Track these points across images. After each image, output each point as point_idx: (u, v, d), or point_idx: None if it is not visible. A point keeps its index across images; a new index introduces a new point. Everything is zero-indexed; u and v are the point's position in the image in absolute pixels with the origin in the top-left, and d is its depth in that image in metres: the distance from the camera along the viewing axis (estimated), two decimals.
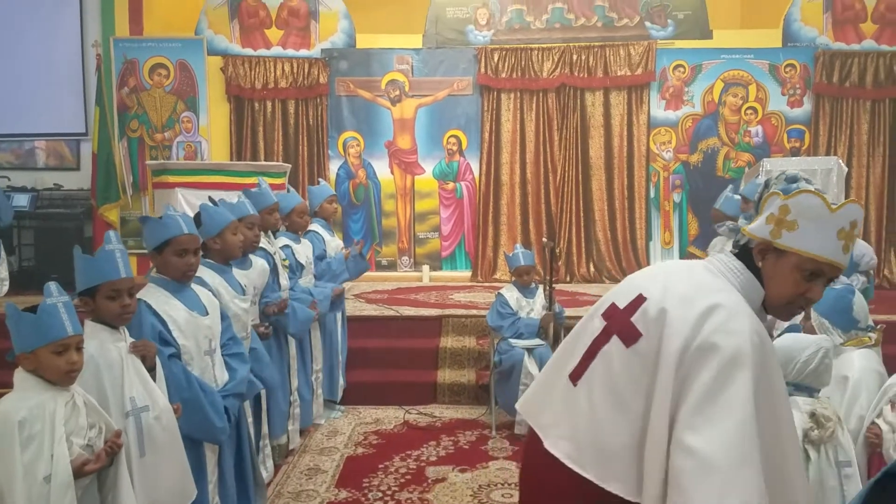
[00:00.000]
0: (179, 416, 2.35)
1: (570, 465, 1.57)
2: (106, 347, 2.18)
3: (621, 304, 1.64)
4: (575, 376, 1.64)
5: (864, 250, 3.45)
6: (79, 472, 1.89)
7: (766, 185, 1.69)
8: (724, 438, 1.41)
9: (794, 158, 7.68)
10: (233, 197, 3.55)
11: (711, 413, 1.43)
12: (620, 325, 1.60)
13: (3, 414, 1.86)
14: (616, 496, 1.52)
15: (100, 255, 2.23)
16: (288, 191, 4.84)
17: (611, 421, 1.55)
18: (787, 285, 1.59)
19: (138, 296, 2.56)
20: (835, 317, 2.83)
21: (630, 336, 1.58)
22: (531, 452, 1.73)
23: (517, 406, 1.85)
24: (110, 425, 2.05)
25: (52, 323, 1.93)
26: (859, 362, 2.69)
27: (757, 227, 1.62)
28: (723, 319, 1.50)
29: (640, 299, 1.60)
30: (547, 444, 1.64)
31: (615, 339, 1.60)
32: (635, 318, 1.58)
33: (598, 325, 1.66)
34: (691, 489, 1.39)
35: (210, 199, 3.25)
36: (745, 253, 1.65)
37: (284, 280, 4.01)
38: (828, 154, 7.93)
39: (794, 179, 1.65)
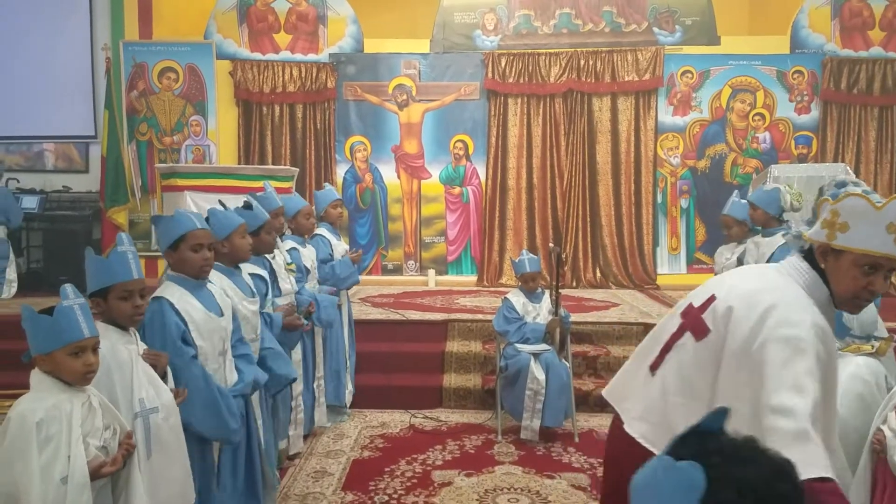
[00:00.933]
0: (183, 400, 2.35)
1: (645, 445, 1.75)
2: (117, 349, 2.19)
3: (696, 304, 1.82)
4: (653, 367, 1.84)
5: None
6: (95, 475, 1.90)
7: (821, 191, 1.86)
8: (803, 413, 1.53)
9: (801, 165, 7.68)
10: (240, 201, 3.57)
11: (787, 391, 1.56)
12: (693, 321, 1.79)
13: (20, 415, 1.87)
14: None
15: (112, 256, 2.25)
16: (293, 194, 4.85)
17: (681, 406, 1.73)
18: (849, 281, 1.73)
19: (159, 293, 2.58)
20: None
21: (700, 331, 1.76)
22: (615, 432, 1.92)
23: (603, 392, 2.02)
24: (124, 427, 2.06)
25: (69, 325, 1.94)
26: (846, 368, 2.70)
27: (815, 232, 1.78)
28: (784, 313, 1.65)
29: (711, 298, 1.79)
30: (626, 426, 1.83)
31: (688, 334, 1.79)
32: (706, 315, 1.77)
33: (677, 322, 1.85)
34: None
35: (220, 202, 3.26)
36: (810, 255, 1.81)
37: (287, 284, 4.00)
38: (835, 161, 7.92)
39: (841, 185, 1.80)
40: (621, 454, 1.84)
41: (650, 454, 1.69)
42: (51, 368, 1.95)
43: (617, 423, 1.91)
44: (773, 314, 1.65)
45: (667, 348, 1.82)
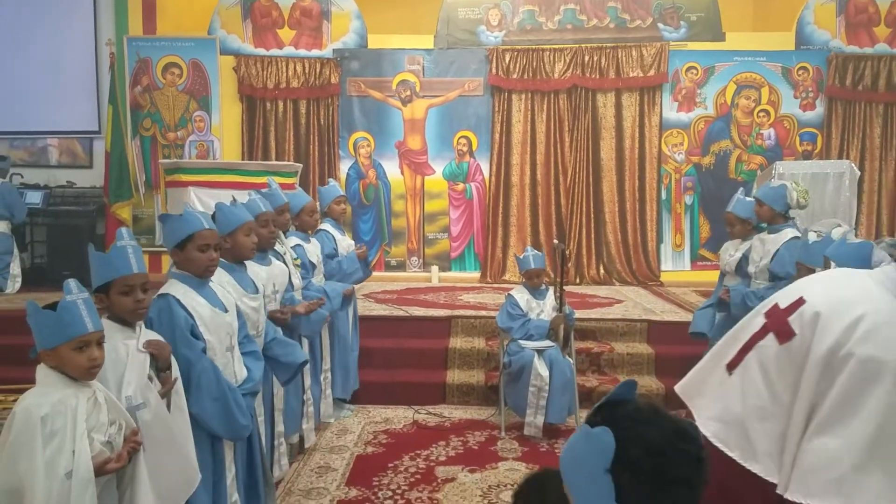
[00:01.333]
0: (173, 387, 2.33)
1: (717, 444, 1.71)
2: (114, 346, 2.18)
3: (783, 305, 1.75)
4: (731, 366, 1.79)
5: (882, 256, 3.44)
6: (100, 471, 1.90)
7: None
8: (853, 441, 1.51)
9: (806, 162, 7.65)
10: (244, 196, 3.56)
11: (845, 416, 1.54)
12: (778, 323, 1.73)
13: (25, 409, 1.87)
14: (754, 476, 1.66)
15: (112, 251, 2.24)
16: (297, 190, 4.85)
17: (758, 408, 1.69)
18: None
19: (164, 291, 2.57)
20: (856, 266, 2.89)
21: (785, 334, 1.70)
22: None
23: (676, 389, 1.98)
24: (129, 422, 2.06)
25: (73, 320, 1.94)
26: None
27: None
28: (872, 328, 1.58)
29: (799, 301, 1.72)
30: (698, 424, 1.76)
31: (771, 336, 1.73)
32: (792, 319, 1.70)
33: (760, 322, 1.79)
34: (813, 484, 1.53)
35: (234, 198, 3.28)
36: None
37: (297, 280, 4.02)
38: (840, 157, 7.90)
39: None
40: None
41: (721, 454, 1.69)
42: (56, 363, 1.95)
43: (689, 419, 1.89)
44: (861, 326, 1.59)
45: (747, 348, 1.77)
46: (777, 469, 1.63)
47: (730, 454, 1.67)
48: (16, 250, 7.34)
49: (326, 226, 4.85)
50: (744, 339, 1.79)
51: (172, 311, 2.49)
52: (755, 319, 1.81)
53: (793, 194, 4.32)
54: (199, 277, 2.67)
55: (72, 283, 2.00)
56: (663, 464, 1.14)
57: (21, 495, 1.80)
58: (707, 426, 1.76)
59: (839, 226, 4.12)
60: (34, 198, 7.81)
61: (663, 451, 1.15)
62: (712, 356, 1.91)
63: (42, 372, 1.97)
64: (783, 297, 1.78)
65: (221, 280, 2.98)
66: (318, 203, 4.85)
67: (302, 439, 4.25)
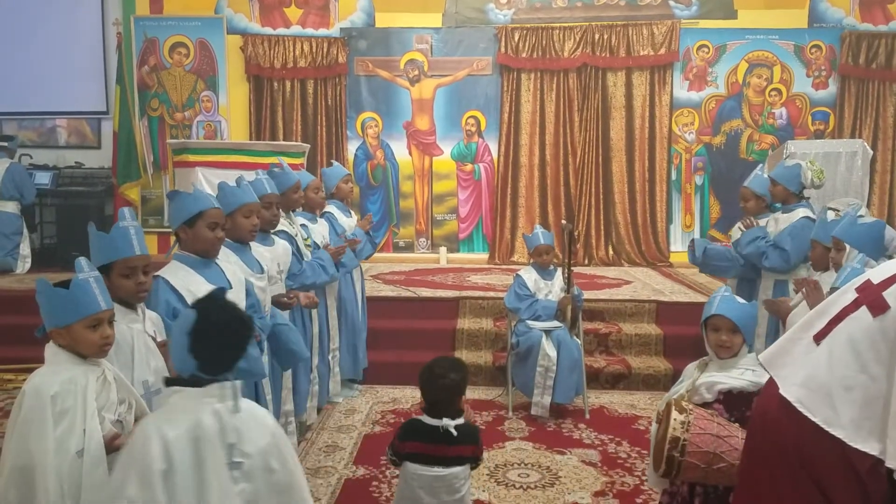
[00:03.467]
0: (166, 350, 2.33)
1: (801, 409, 1.76)
2: (119, 329, 2.16)
3: (876, 280, 1.79)
4: (819, 336, 1.83)
5: (893, 234, 3.41)
6: (110, 447, 1.90)
7: None
8: None
9: (818, 141, 7.56)
10: (251, 176, 3.55)
11: None
12: (872, 297, 1.76)
13: (35, 388, 1.87)
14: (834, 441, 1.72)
15: (114, 232, 2.22)
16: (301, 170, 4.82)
17: (845, 377, 1.73)
18: None
19: (158, 273, 2.57)
20: (869, 247, 2.97)
21: (878, 307, 1.73)
22: (766, 397, 1.95)
23: (760, 358, 2.02)
24: (140, 402, 2.06)
25: (86, 298, 1.94)
26: None
27: None
28: None
29: (894, 277, 1.76)
30: (782, 390, 1.83)
31: (863, 309, 1.76)
32: (887, 293, 1.73)
33: (851, 296, 1.82)
34: None
35: (238, 179, 3.27)
36: None
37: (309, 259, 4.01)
38: (853, 137, 7.80)
39: None
40: (770, 416, 1.89)
41: (798, 421, 1.77)
42: (67, 342, 1.95)
43: (771, 387, 1.95)
44: None
45: (837, 320, 1.80)
46: (858, 436, 1.69)
47: (813, 419, 1.73)
48: (25, 231, 7.37)
49: (331, 208, 4.83)
50: (833, 312, 1.83)
51: (157, 294, 2.49)
52: (845, 295, 1.85)
53: (807, 174, 4.28)
54: (203, 257, 2.66)
55: (83, 262, 1.99)
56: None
57: (32, 473, 1.81)
58: (790, 392, 1.81)
59: (853, 204, 4.08)
60: (43, 178, 7.83)
61: (221, 323, 1.73)
62: (798, 329, 1.95)
63: (51, 350, 1.97)
64: (876, 274, 1.82)
65: (230, 260, 2.98)
66: (323, 184, 4.83)
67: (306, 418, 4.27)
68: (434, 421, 2.57)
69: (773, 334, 4.08)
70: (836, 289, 2.58)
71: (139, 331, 2.23)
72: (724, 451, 2.38)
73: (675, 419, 2.40)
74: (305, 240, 4.06)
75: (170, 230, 7.00)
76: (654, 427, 2.62)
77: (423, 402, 2.66)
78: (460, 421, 2.60)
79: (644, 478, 3.62)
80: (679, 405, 2.47)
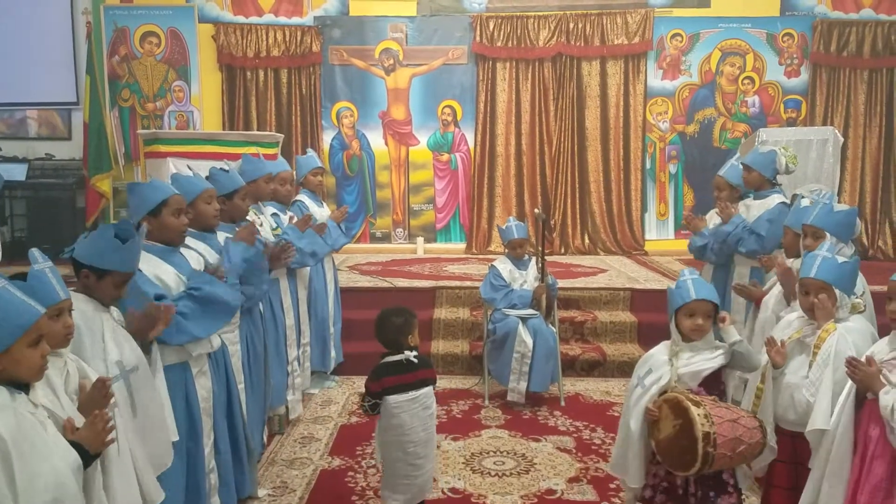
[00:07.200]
0: (171, 317, 2.36)
1: None
2: (88, 316, 2.15)
3: None
4: None
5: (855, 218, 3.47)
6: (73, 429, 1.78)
7: None
8: None
9: (790, 129, 7.64)
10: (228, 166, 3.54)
11: None
12: None
13: None
14: None
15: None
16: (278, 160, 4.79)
17: None
18: None
19: None
20: (844, 234, 3.12)
21: None
22: None
23: None
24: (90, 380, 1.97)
25: (45, 289, 1.89)
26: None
27: None
28: None
29: None
30: None
31: None
32: None
33: None
34: None
35: (224, 165, 3.28)
36: None
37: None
38: (824, 124, 7.89)
39: None
40: None
41: None
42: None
43: None
44: None
45: None
46: None
47: None
48: None
49: (303, 197, 4.79)
50: None
51: (136, 281, 2.47)
52: None
53: (782, 160, 4.32)
54: (170, 244, 2.65)
55: (36, 253, 1.95)
56: None
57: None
58: None
59: (815, 190, 4.12)
60: (16, 172, 7.64)
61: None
62: None
63: None
64: None
65: (198, 248, 2.96)
66: (294, 173, 4.79)
67: (287, 410, 4.25)
68: (397, 357, 3.08)
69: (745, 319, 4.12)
70: (809, 279, 2.63)
71: (106, 317, 2.23)
72: (740, 434, 2.41)
73: (697, 414, 2.38)
74: (275, 229, 4.03)
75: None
76: (637, 425, 2.59)
77: (383, 349, 3.14)
78: (416, 352, 3.10)
79: None
80: (690, 398, 2.47)
